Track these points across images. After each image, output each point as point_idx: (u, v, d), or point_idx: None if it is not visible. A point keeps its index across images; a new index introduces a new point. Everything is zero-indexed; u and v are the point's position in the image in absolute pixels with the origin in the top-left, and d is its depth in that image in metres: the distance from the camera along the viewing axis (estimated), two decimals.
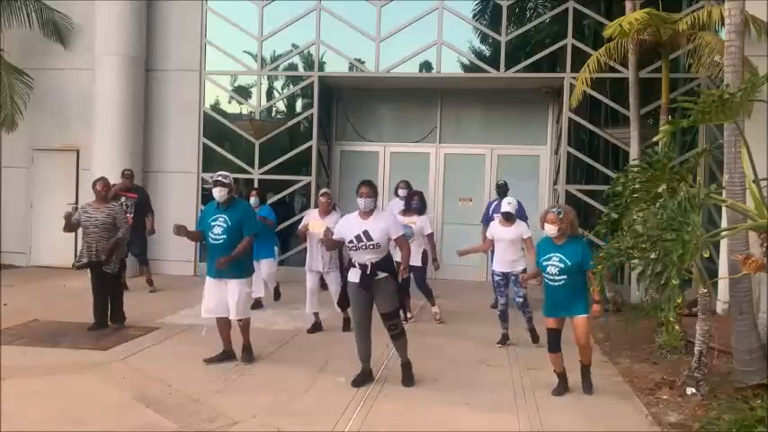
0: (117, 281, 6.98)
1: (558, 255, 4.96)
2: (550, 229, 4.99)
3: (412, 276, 7.32)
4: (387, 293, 5.09)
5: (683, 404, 4.88)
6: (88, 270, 6.79)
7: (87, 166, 10.14)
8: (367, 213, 5.11)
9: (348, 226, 5.16)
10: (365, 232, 5.02)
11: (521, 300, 6.46)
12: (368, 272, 5.04)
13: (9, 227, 10.73)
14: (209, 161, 10.65)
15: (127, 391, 4.93)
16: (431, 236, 7.50)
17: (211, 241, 5.60)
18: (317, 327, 6.92)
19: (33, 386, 4.99)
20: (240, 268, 5.61)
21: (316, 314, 6.94)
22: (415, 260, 7.24)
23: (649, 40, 8.10)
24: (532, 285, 6.42)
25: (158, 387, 5.05)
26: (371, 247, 5.02)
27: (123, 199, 8.53)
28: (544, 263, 5.02)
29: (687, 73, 9.05)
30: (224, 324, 5.70)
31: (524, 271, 6.40)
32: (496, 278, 6.58)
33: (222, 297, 5.60)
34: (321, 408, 4.67)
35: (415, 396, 4.99)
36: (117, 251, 6.75)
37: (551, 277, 4.99)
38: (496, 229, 6.59)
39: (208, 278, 5.68)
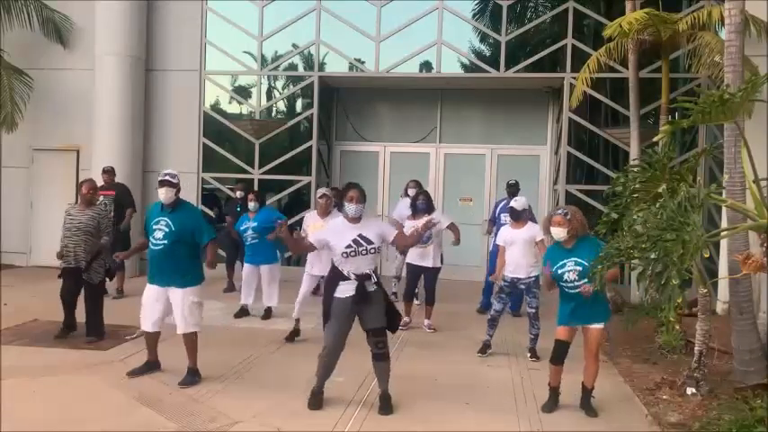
0: (97, 292, 6.45)
1: (572, 259, 4.61)
2: (559, 233, 4.64)
3: (423, 278, 7.27)
4: (379, 307, 4.64)
5: (683, 404, 4.88)
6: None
7: (87, 166, 10.13)
8: (356, 219, 4.66)
9: (338, 231, 4.66)
10: (362, 236, 4.56)
11: (533, 311, 6.12)
12: (371, 282, 4.57)
13: (9, 227, 10.72)
14: (209, 161, 10.66)
15: (127, 391, 4.93)
16: (452, 225, 7.29)
17: (152, 246, 5.10)
18: (295, 334, 6.56)
19: (33, 386, 4.99)
20: (186, 276, 5.11)
21: (297, 321, 6.59)
22: (431, 261, 7.17)
23: (649, 40, 8.10)
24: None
25: (158, 387, 5.06)
26: (372, 251, 4.58)
27: (102, 198, 8.03)
28: (559, 271, 4.65)
29: (687, 73, 9.06)
30: (153, 338, 5.32)
31: (537, 278, 6.11)
32: (503, 283, 6.25)
33: (160, 308, 5.15)
34: (321, 407, 4.67)
35: (415, 396, 4.98)
36: (98, 259, 6.33)
37: (571, 284, 4.61)
38: (507, 232, 6.34)
39: (149, 286, 5.19)
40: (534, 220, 7.18)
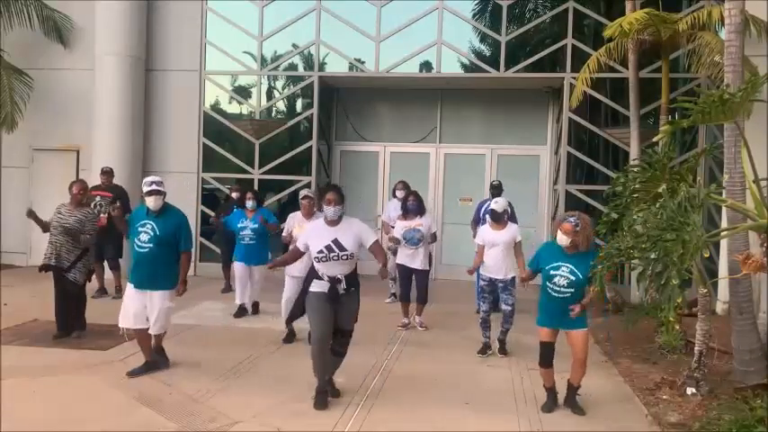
0: (79, 290, 6.46)
1: (568, 265, 4.60)
2: (563, 240, 4.61)
3: (414, 279, 7.27)
4: (351, 310, 4.81)
5: (683, 404, 4.88)
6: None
7: (87, 166, 10.14)
8: (335, 221, 4.74)
9: (315, 234, 4.76)
10: (335, 241, 4.64)
11: (509, 308, 6.18)
12: (341, 286, 4.66)
13: (9, 227, 10.72)
14: (209, 161, 10.66)
15: (127, 391, 4.93)
16: (434, 234, 7.40)
17: (136, 248, 5.25)
18: (292, 336, 6.50)
19: (33, 386, 4.99)
20: (163, 280, 5.28)
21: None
22: (421, 264, 7.21)
23: (649, 40, 8.10)
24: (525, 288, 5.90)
25: (158, 387, 5.05)
26: (344, 257, 4.65)
27: (98, 198, 8.10)
28: (551, 272, 4.63)
29: (687, 73, 9.06)
30: (143, 335, 5.38)
31: (514, 278, 6.14)
32: (482, 283, 6.29)
33: (143, 308, 5.29)
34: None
35: (415, 396, 4.99)
36: (83, 259, 6.37)
37: (557, 288, 4.61)
38: (488, 233, 6.28)
39: (129, 285, 5.34)
40: (515, 220, 7.15)
